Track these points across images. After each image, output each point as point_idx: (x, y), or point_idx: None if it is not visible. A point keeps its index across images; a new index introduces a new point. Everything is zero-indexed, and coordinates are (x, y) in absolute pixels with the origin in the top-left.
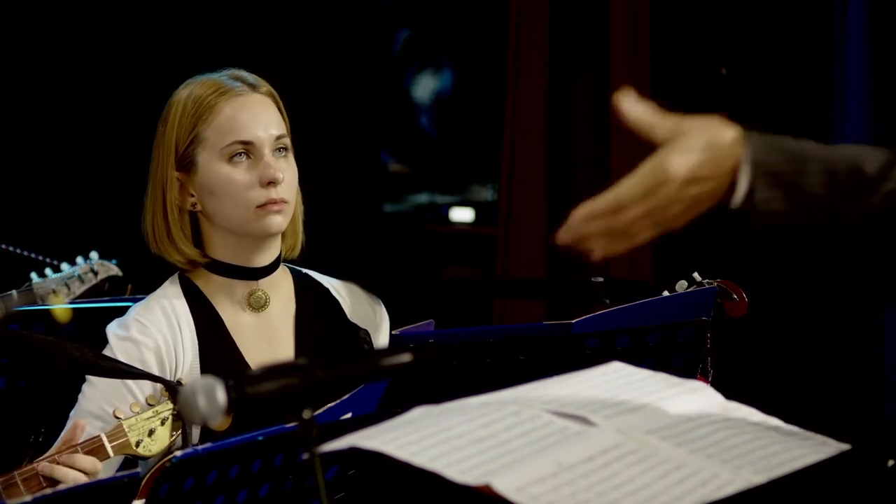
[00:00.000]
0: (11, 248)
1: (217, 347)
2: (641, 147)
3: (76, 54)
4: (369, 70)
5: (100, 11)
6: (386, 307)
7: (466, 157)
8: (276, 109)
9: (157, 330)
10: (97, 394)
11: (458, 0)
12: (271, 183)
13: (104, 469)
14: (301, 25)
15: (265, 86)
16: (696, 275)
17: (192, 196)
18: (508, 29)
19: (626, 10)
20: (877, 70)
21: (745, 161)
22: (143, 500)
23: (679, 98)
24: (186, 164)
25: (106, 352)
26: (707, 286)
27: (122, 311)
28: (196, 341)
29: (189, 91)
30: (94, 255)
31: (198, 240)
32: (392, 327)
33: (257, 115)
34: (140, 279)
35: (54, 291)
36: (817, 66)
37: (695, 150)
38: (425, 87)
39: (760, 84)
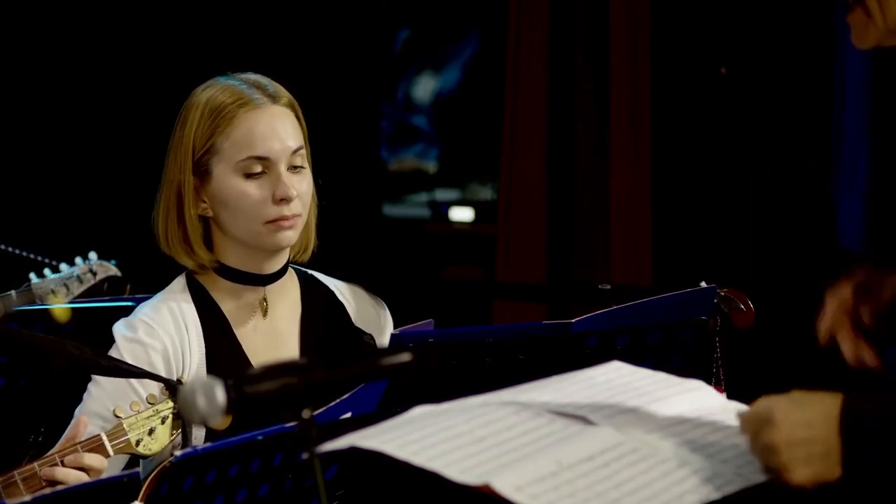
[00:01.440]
0: (10, 249)
1: (223, 350)
2: (640, 148)
3: (76, 55)
4: (369, 70)
5: (97, 12)
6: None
7: (466, 157)
8: (295, 120)
9: (165, 332)
10: (103, 394)
11: (458, 0)
12: (284, 200)
13: (108, 469)
14: (301, 25)
15: (285, 96)
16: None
17: (204, 202)
18: (508, 29)
19: (626, 10)
20: (877, 70)
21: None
22: (143, 501)
23: (679, 98)
24: (201, 171)
25: (112, 352)
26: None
27: (121, 312)
28: (203, 344)
29: (208, 97)
30: (92, 255)
31: (207, 243)
32: (392, 327)
33: (275, 129)
34: (139, 279)
35: (53, 292)
36: (817, 66)
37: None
38: (425, 87)
39: (760, 84)
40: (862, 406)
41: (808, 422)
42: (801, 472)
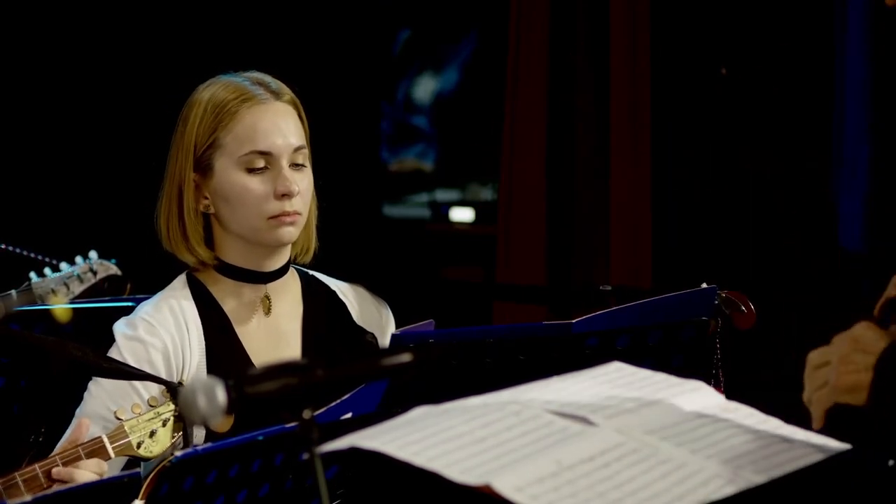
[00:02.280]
0: (10, 248)
1: (224, 349)
2: (640, 148)
3: (76, 54)
4: (369, 70)
5: (98, 12)
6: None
7: (466, 157)
8: (297, 118)
9: (165, 330)
10: (103, 394)
11: (458, 0)
12: (286, 195)
13: (108, 470)
14: (301, 25)
15: (288, 93)
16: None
17: (206, 199)
18: (508, 29)
19: (626, 10)
20: (877, 70)
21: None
22: (144, 501)
23: (679, 98)
24: (203, 167)
25: (113, 351)
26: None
27: (121, 311)
28: (203, 342)
29: (211, 93)
30: (93, 254)
31: (209, 241)
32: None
33: (277, 125)
34: (139, 278)
35: (53, 291)
36: (817, 66)
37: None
38: (425, 87)
39: (760, 84)
40: None
41: (875, 339)
42: (848, 377)
